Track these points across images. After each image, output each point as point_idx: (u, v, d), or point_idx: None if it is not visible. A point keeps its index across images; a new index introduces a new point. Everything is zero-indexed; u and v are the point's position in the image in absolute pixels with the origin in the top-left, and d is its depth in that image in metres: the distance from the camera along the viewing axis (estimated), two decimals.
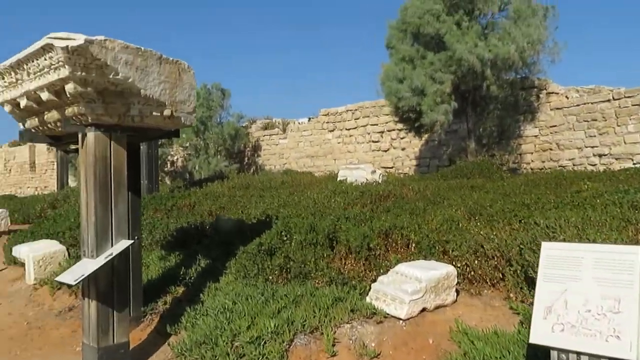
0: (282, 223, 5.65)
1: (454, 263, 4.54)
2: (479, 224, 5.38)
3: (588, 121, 11.92)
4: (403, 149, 15.99)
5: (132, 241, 3.87)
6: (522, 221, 5.14)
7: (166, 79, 3.56)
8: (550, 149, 12.68)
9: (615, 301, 2.45)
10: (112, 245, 3.65)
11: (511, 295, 4.15)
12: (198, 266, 5.56)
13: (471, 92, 11.60)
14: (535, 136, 12.99)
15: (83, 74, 3.10)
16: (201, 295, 4.73)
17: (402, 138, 15.82)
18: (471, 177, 9.69)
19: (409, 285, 3.94)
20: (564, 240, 4.06)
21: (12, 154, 31.50)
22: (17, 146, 31.17)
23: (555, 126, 12.60)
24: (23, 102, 3.58)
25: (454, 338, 3.59)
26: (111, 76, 3.21)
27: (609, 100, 11.56)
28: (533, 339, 2.62)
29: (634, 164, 10.70)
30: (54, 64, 3.06)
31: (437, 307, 4.04)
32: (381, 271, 4.65)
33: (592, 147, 11.83)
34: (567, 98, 12.47)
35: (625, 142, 11.18)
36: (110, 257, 3.57)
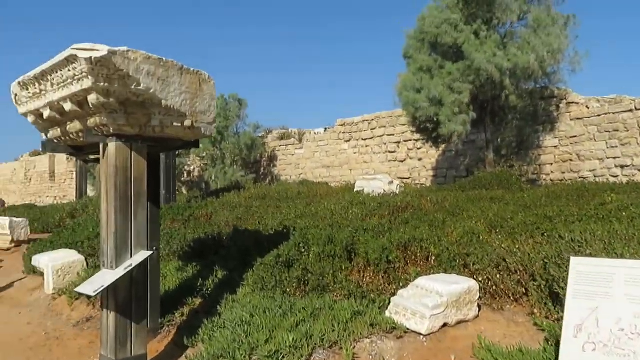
0: (299, 234, 5.61)
1: (475, 277, 4.45)
2: (500, 236, 5.27)
3: (609, 131, 11.71)
4: (420, 160, 15.89)
5: (152, 252, 3.85)
6: (545, 234, 5.02)
7: (187, 90, 3.56)
8: (571, 160, 12.47)
9: None
10: (131, 256, 3.64)
11: (535, 311, 4.04)
12: (215, 277, 5.53)
13: (490, 102, 11.49)
14: (555, 147, 12.80)
15: (106, 84, 3.11)
16: (218, 307, 4.69)
17: (418, 148, 15.73)
18: (490, 189, 9.55)
19: (429, 300, 3.86)
20: (590, 255, 3.95)
21: (33, 164, 32.07)
22: (38, 156, 31.75)
23: (575, 136, 12.40)
24: (46, 113, 3.60)
25: (477, 355, 3.49)
26: (133, 87, 3.22)
27: (631, 110, 11.35)
28: (563, 358, 2.53)
29: None
30: (78, 75, 3.08)
31: (459, 323, 3.94)
32: (400, 284, 4.57)
33: (614, 158, 11.61)
34: (588, 108, 12.28)
35: None
36: (130, 268, 3.56)
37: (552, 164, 12.87)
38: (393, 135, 16.59)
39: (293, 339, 3.63)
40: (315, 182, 16.03)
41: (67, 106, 3.36)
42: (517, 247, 4.74)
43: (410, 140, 15.75)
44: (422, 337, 3.75)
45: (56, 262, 6.62)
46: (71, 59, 3.06)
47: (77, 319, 5.57)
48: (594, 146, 12.01)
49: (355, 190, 11.18)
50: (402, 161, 16.34)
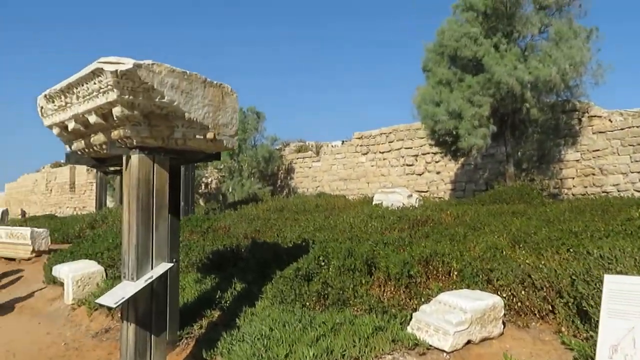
0: (319, 247, 5.56)
1: (498, 293, 4.35)
2: (524, 252, 5.16)
3: (633, 145, 11.48)
4: (438, 173, 15.75)
5: (172, 264, 3.85)
6: (571, 250, 4.90)
7: (210, 102, 3.57)
8: (593, 174, 12.24)
9: None
10: (152, 268, 3.63)
11: (563, 329, 3.92)
12: (234, 290, 5.50)
13: (510, 115, 11.35)
14: (577, 160, 12.58)
15: (130, 97, 3.14)
16: (237, 320, 4.66)
17: (437, 162, 15.61)
18: (510, 203, 9.39)
19: (453, 316, 3.78)
20: (621, 272, 3.83)
21: (54, 175, 32.65)
22: (58, 167, 32.32)
23: (598, 150, 12.18)
24: (71, 125, 3.64)
25: None
26: (157, 99, 3.23)
27: None
28: None
29: None
30: (103, 88, 3.11)
31: (483, 340, 3.85)
32: (422, 300, 4.50)
33: (639, 172, 11.36)
34: (611, 121, 12.07)
35: None
36: (151, 280, 3.55)
37: (574, 178, 12.64)
38: (411, 148, 16.50)
39: (313, 354, 3.58)
40: (332, 194, 15.97)
41: (92, 118, 3.39)
42: (542, 262, 4.63)
43: (429, 153, 15.64)
44: (445, 354, 3.66)
45: (76, 272, 6.67)
46: (97, 72, 3.09)
47: (96, 329, 5.58)
48: (617, 160, 11.78)
49: (373, 203, 11.10)
50: (420, 174, 16.22)
